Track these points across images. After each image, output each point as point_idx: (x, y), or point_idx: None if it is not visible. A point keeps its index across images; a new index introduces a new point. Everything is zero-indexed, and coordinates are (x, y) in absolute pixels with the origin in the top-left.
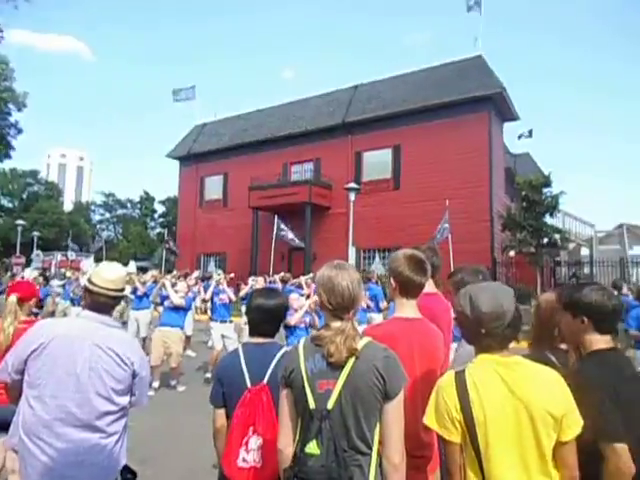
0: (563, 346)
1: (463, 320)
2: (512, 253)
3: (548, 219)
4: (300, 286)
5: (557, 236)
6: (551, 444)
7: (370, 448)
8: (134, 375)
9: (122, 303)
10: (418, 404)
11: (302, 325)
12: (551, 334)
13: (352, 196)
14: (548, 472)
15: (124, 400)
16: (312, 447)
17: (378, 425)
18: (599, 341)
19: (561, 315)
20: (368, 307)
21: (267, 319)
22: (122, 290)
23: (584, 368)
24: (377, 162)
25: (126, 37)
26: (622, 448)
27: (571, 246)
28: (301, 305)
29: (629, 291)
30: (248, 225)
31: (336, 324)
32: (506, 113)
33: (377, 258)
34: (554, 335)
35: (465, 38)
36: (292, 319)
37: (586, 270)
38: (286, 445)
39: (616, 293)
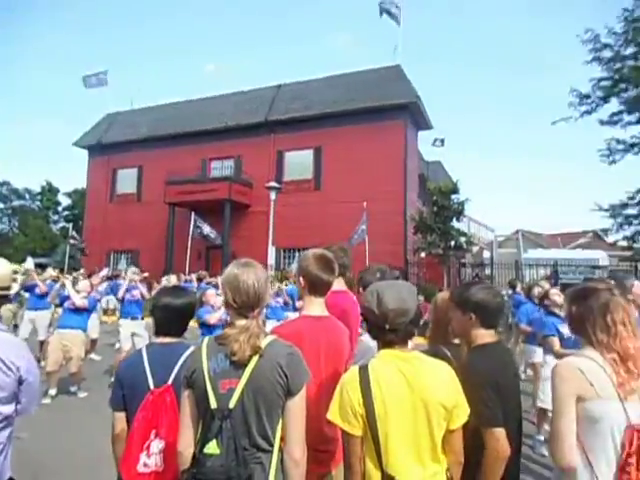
0: (456, 341)
1: (369, 316)
2: (423, 254)
3: (455, 223)
4: (217, 286)
5: (463, 239)
6: (441, 433)
7: (272, 445)
8: (20, 381)
9: (14, 303)
10: (323, 400)
11: (220, 324)
12: (446, 330)
13: (273, 195)
14: (438, 458)
15: (8, 409)
16: (212, 447)
17: (280, 422)
18: (485, 335)
19: (453, 312)
20: (286, 304)
21: (174, 318)
22: (7, 289)
23: (471, 360)
24: (299, 162)
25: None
26: (500, 432)
27: (475, 249)
28: (220, 304)
29: (522, 290)
30: (163, 221)
31: (241, 322)
32: (421, 122)
33: (297, 257)
34: (448, 331)
35: (387, 42)
36: (212, 318)
37: (487, 271)
38: (186, 447)
39: (511, 291)
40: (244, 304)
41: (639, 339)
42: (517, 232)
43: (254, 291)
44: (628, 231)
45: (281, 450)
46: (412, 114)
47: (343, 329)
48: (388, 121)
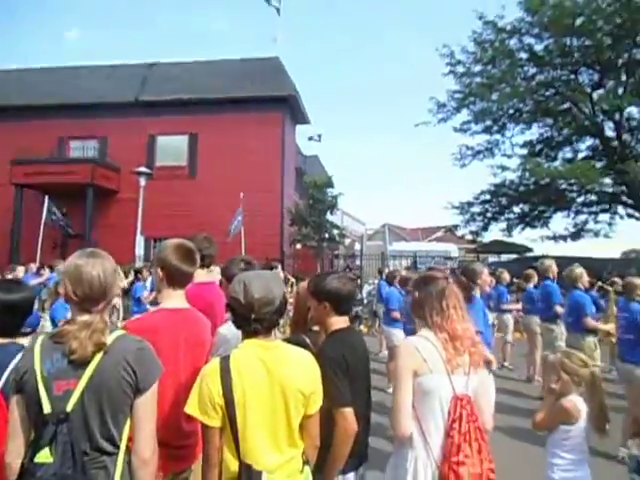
0: (316, 328)
1: (236, 306)
2: (298, 246)
3: (329, 216)
4: None
5: (336, 232)
6: (299, 419)
7: (117, 447)
8: None
9: None
10: (182, 395)
11: None
12: (306, 318)
13: (142, 181)
14: (295, 443)
15: None
16: (43, 455)
17: (129, 421)
18: (338, 322)
19: (310, 301)
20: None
21: (7, 316)
22: None
23: (325, 346)
24: (172, 147)
25: None
26: (349, 412)
27: (347, 241)
28: None
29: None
30: (9, 206)
31: (83, 318)
32: (299, 116)
33: None
34: (308, 318)
35: (267, 33)
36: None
37: (358, 262)
38: (15, 457)
39: (377, 280)
40: (87, 297)
41: (466, 322)
42: (384, 226)
43: (99, 283)
44: (474, 226)
45: (129, 451)
46: (290, 108)
47: (205, 321)
48: (266, 113)
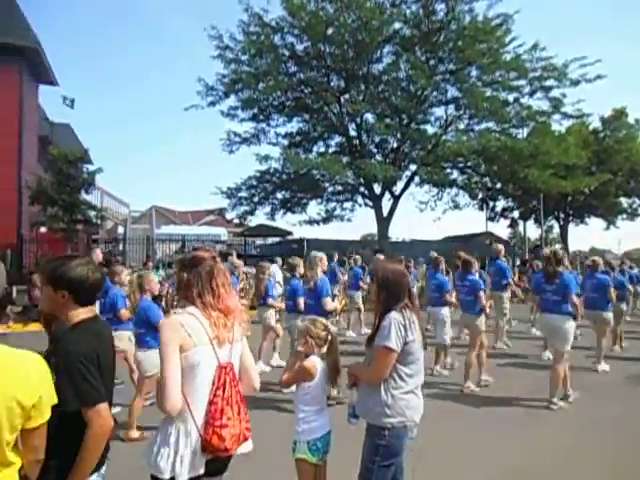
0: None
1: None
2: (43, 229)
3: (84, 195)
4: None
5: (92, 213)
6: (15, 434)
7: None
8: None
9: None
10: None
11: None
12: None
13: None
14: (8, 462)
15: None
16: None
17: None
18: (81, 313)
19: (44, 288)
20: None
21: None
22: None
23: (68, 339)
24: None
25: None
26: (104, 408)
27: (110, 224)
28: None
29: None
30: None
31: None
32: (42, 74)
33: None
34: None
35: None
36: None
37: (121, 247)
38: None
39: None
40: None
41: (234, 297)
42: (151, 208)
43: None
44: (241, 210)
45: None
46: (30, 62)
47: None
48: None
